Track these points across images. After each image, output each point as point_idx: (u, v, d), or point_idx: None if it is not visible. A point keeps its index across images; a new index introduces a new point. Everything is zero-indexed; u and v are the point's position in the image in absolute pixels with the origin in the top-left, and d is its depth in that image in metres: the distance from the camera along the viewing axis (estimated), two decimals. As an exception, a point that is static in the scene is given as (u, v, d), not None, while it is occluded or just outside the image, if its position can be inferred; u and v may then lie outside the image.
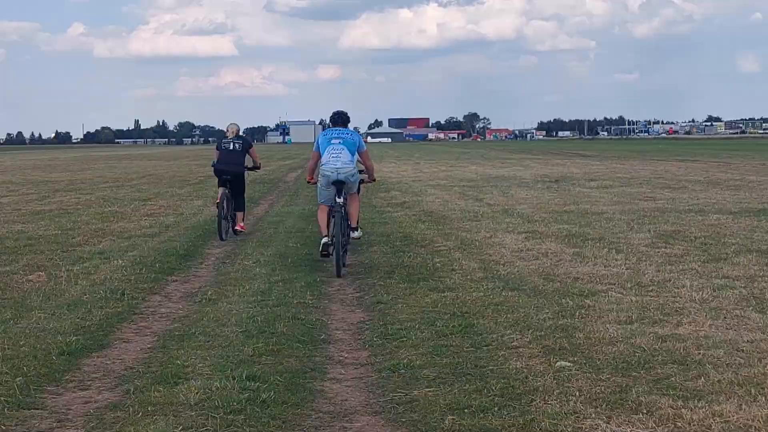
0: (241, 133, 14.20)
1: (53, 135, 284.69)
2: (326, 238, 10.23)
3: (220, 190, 13.84)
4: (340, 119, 10.98)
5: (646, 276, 9.21)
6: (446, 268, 9.99)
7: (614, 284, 8.83)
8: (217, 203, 13.65)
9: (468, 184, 26.22)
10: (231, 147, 13.94)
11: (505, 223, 14.54)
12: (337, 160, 10.39)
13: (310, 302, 8.39)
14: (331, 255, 10.04)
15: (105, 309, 8.12)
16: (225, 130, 14.34)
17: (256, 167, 15.03)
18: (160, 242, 12.88)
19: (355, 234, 10.75)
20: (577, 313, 7.49)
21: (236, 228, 13.79)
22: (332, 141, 10.55)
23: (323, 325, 7.51)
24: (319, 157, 10.66)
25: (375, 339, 6.93)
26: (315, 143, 10.89)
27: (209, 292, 8.90)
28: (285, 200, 21.65)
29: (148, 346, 6.87)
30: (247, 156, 14.18)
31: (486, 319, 7.40)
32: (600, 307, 7.70)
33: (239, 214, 14.01)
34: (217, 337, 7.01)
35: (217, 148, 14.16)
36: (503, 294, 8.42)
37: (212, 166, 14.39)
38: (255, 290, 8.92)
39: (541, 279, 9.18)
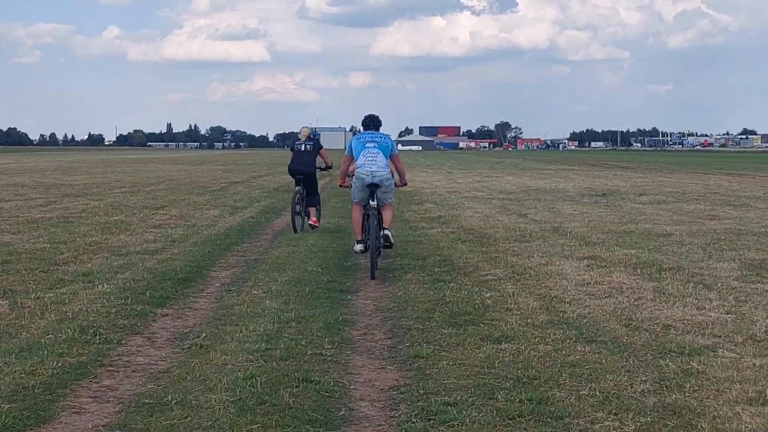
0: (312, 136, 15.16)
1: (86, 137, 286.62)
2: (360, 245, 10.41)
3: (296, 188, 14.93)
4: (372, 123, 10.92)
5: (758, 325, 7.24)
6: (499, 307, 8.07)
7: (720, 337, 6.87)
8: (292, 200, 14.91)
9: (508, 196, 24.25)
10: (303, 148, 14.99)
11: (559, 246, 12.59)
12: (372, 164, 10.41)
13: (329, 353, 6.50)
14: (365, 252, 10.37)
15: (65, 357, 6.30)
16: (298, 133, 15.38)
17: (327, 167, 15.84)
18: (159, 261, 11.06)
19: (388, 233, 10.53)
20: (687, 385, 5.55)
21: (310, 223, 14.87)
22: (367, 145, 10.57)
23: (344, 392, 5.62)
24: (352, 160, 10.75)
25: (413, 421, 5.03)
26: (348, 147, 10.87)
27: (202, 335, 7.05)
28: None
29: (104, 421, 5.03)
30: (319, 157, 15.05)
31: (563, 389, 5.49)
32: (714, 375, 5.76)
33: (312, 210, 15.00)
34: (200, 410, 5.15)
35: (291, 150, 15.28)
36: (578, 348, 6.49)
37: (288, 167, 15.26)
38: (260, 333, 7.04)
39: (623, 326, 7.24)
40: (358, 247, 10.44)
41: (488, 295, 8.65)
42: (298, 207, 14.80)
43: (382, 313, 8.08)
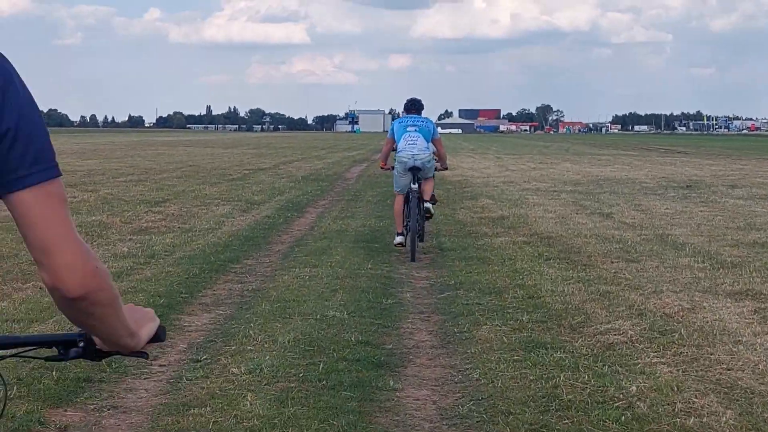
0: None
1: (126, 119, 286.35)
2: (400, 237, 10.26)
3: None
4: (414, 106, 10.87)
5: None
6: (663, 419, 4.45)
7: None
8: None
9: (576, 188, 20.51)
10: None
11: (684, 269, 8.92)
12: (413, 147, 10.38)
13: None
14: (405, 245, 10.13)
15: None
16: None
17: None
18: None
19: (429, 206, 10.47)
20: None
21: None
22: (408, 128, 10.54)
23: None
24: (393, 143, 10.71)
25: None
26: (390, 130, 10.85)
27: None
28: (340, 208, 16.24)
29: None
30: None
31: None
32: None
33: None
34: None
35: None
36: None
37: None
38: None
39: None
40: (398, 239, 10.28)
41: (632, 385, 5.00)
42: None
43: (447, 425, 4.50)
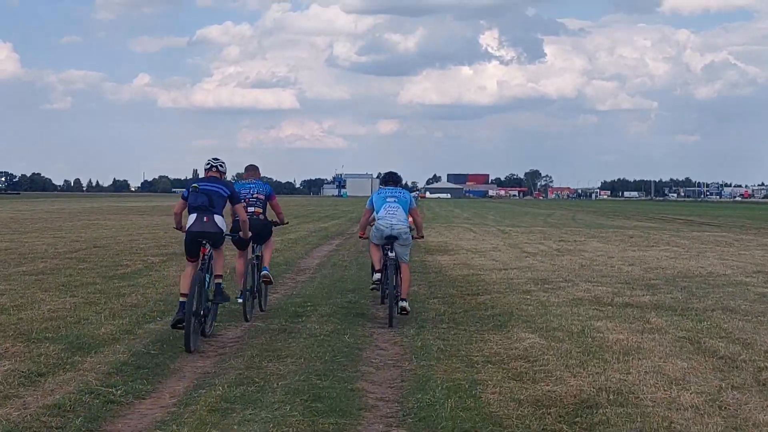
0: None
1: (111, 183, 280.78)
2: (377, 275, 10.75)
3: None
4: (391, 179, 11.33)
5: None
6: None
7: None
8: None
9: (656, 298, 12.91)
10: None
11: None
12: (392, 217, 10.79)
13: None
14: (384, 301, 11.20)
15: None
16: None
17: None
18: None
19: (404, 305, 10.51)
20: None
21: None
22: (387, 199, 10.98)
23: None
24: (371, 213, 11.14)
25: None
26: (369, 201, 11.25)
27: None
28: (265, 340, 8.63)
29: None
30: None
31: None
32: None
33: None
34: None
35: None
36: None
37: None
38: None
39: None
40: (376, 276, 10.76)
41: None
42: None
43: None
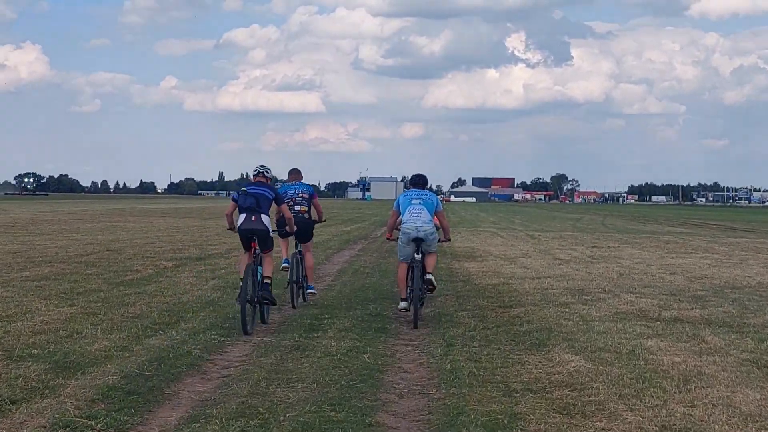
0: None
1: (138, 185, 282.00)
2: (404, 302, 10.68)
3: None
4: (419, 181, 11.40)
5: None
6: None
7: None
8: None
9: (712, 317, 11.80)
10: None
11: None
12: (417, 219, 10.85)
13: None
14: (409, 311, 10.63)
15: None
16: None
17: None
18: None
19: (431, 277, 10.89)
20: None
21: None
22: (412, 201, 11.02)
23: None
24: (398, 215, 11.21)
25: None
26: (396, 203, 11.34)
27: None
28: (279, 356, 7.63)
29: None
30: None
31: None
32: None
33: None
34: None
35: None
36: None
37: None
38: None
39: None
40: (402, 304, 10.69)
41: None
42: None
43: None
